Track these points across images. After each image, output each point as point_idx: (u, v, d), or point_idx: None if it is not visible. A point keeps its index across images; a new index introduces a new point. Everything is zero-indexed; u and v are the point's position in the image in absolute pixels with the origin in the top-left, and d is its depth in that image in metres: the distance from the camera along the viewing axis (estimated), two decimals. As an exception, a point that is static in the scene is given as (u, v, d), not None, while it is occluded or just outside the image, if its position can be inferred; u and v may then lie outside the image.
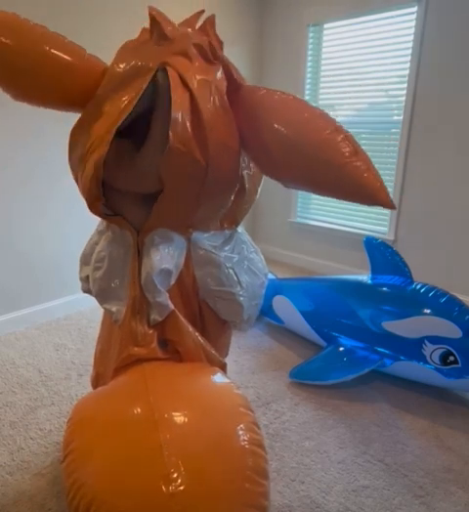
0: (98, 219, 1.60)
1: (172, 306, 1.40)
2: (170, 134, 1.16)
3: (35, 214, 2.69)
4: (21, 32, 1.22)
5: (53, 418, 1.90)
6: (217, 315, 1.57)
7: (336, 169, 1.12)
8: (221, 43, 1.36)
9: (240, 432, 1.13)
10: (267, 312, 2.74)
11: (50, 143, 2.63)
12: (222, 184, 1.32)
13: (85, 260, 1.59)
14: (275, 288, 2.67)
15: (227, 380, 1.35)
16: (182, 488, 0.97)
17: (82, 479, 1.06)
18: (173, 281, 1.42)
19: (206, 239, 1.48)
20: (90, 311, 2.94)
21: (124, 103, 1.21)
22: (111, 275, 1.45)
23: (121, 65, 1.26)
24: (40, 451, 1.71)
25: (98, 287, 1.49)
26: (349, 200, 1.17)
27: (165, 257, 1.36)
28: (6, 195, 2.55)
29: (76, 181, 1.44)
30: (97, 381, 1.58)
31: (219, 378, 1.34)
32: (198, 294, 1.52)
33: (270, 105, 1.25)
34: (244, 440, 1.12)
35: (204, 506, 0.99)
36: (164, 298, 1.37)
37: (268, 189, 4.02)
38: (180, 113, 1.17)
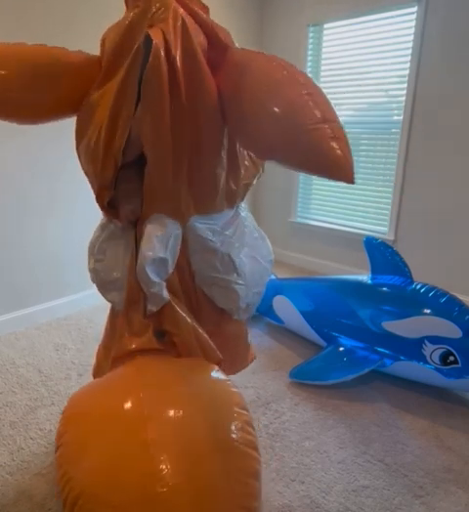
0: (99, 218, 1.60)
1: (168, 297, 1.39)
2: (150, 55, 1.17)
3: (36, 214, 2.69)
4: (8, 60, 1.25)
5: (53, 418, 1.90)
6: (214, 304, 1.55)
7: (301, 134, 1.03)
8: (206, 8, 1.36)
9: (233, 432, 1.12)
10: (267, 312, 2.74)
11: (52, 143, 2.63)
12: (193, 129, 1.30)
13: (91, 251, 1.60)
14: (275, 288, 2.67)
15: (223, 377, 1.33)
16: (169, 486, 0.97)
17: (71, 472, 1.07)
18: (171, 270, 1.41)
19: (204, 224, 1.45)
20: (90, 311, 2.94)
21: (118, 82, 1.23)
22: (113, 266, 1.45)
23: (110, 50, 1.28)
24: (40, 451, 1.71)
25: (100, 279, 1.50)
26: (311, 172, 1.07)
27: (157, 245, 1.34)
28: (7, 196, 2.55)
29: (85, 170, 1.44)
30: (97, 371, 1.59)
31: (215, 375, 1.33)
32: (194, 281, 1.50)
33: (247, 64, 1.23)
34: (236, 440, 1.11)
35: (191, 506, 0.98)
36: (159, 289, 1.37)
37: (268, 189, 4.03)
38: (161, 49, 1.18)
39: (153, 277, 1.35)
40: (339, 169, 0.99)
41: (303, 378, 2.20)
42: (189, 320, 1.43)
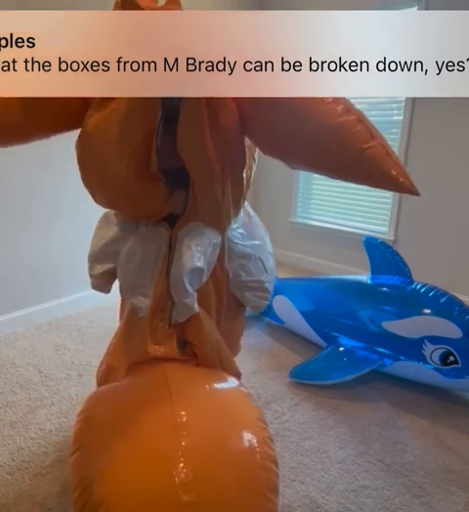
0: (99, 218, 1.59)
1: (197, 308, 1.38)
2: None
3: (37, 216, 2.70)
4: None
5: (53, 418, 1.90)
6: (236, 301, 1.58)
7: (355, 155, 1.09)
8: None
9: (257, 446, 1.11)
10: (267, 312, 2.74)
11: (56, 147, 2.62)
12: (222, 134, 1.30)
13: (99, 256, 1.54)
14: (275, 288, 2.64)
15: (246, 392, 1.32)
16: (199, 498, 0.95)
17: (92, 476, 1.02)
18: (205, 279, 1.40)
19: (235, 230, 1.48)
20: (90, 311, 2.94)
21: None
22: (143, 270, 1.42)
23: None
24: (40, 451, 1.71)
25: (128, 281, 1.46)
26: (369, 186, 1.15)
27: (196, 255, 1.33)
28: (9, 198, 2.55)
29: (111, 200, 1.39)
30: (108, 375, 1.53)
31: (238, 388, 1.32)
32: (228, 287, 1.52)
33: None
34: (260, 454, 1.10)
35: None
36: (191, 299, 1.35)
37: (268, 189, 4.03)
38: None
39: (188, 287, 1.33)
40: (402, 185, 1.10)
41: (303, 378, 2.20)
42: (213, 334, 1.42)
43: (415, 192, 1.10)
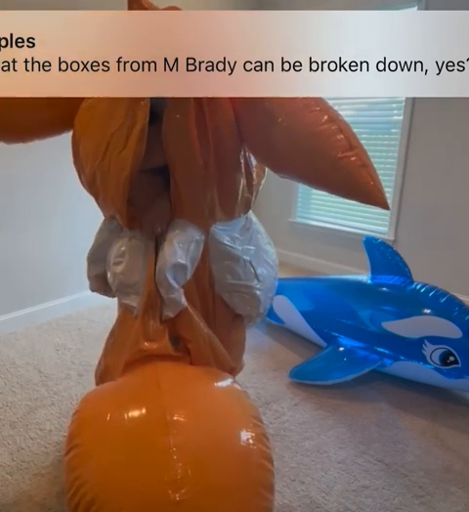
0: (100, 219, 1.60)
1: (185, 303, 1.39)
2: None
3: (38, 216, 2.70)
4: None
5: (53, 418, 1.90)
6: (230, 309, 1.55)
7: (329, 163, 1.10)
8: None
9: (251, 444, 1.11)
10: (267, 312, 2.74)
11: (56, 146, 2.62)
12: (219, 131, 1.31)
13: (93, 259, 1.58)
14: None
15: (240, 388, 1.32)
16: (189, 496, 0.95)
17: (85, 476, 1.03)
18: (189, 276, 1.41)
19: (225, 232, 1.47)
20: (90, 311, 2.94)
21: None
22: (132, 269, 1.43)
23: None
24: (40, 451, 1.71)
25: (119, 282, 1.47)
26: (342, 196, 1.15)
27: (178, 251, 1.34)
28: (10, 198, 2.55)
29: (92, 190, 1.44)
30: (105, 375, 1.55)
31: (232, 385, 1.32)
32: (214, 288, 1.50)
33: None
34: (254, 452, 1.10)
35: None
36: (178, 294, 1.36)
37: (268, 189, 4.01)
38: None
39: (173, 283, 1.34)
40: (372, 197, 1.08)
41: (303, 378, 2.20)
42: (204, 327, 1.43)
43: (385, 206, 1.08)
